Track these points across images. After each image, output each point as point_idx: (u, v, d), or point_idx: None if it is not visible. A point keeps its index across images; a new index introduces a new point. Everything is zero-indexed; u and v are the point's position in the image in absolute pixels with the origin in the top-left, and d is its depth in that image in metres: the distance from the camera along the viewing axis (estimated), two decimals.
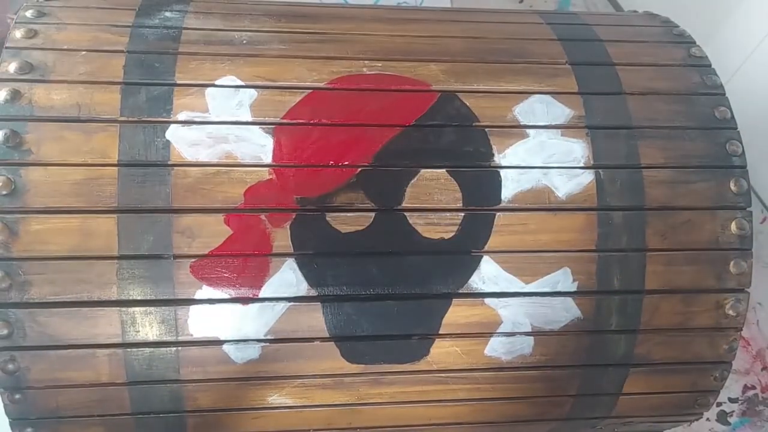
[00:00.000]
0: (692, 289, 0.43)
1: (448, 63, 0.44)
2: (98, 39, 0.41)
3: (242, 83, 0.40)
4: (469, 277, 0.41)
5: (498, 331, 0.41)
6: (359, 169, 0.40)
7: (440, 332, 0.41)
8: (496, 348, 0.42)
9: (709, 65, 0.47)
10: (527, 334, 0.42)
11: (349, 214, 0.40)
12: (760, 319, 0.70)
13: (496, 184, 0.41)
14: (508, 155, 0.41)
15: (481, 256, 0.41)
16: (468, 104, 0.42)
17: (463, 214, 0.41)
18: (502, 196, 0.41)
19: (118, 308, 0.38)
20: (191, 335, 0.38)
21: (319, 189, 0.39)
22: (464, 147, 0.41)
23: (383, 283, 0.40)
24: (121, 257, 0.38)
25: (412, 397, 0.43)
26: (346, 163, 0.40)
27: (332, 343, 0.40)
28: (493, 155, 0.41)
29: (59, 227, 0.37)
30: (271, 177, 0.39)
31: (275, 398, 0.42)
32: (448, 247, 0.40)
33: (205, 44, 0.42)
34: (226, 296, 0.38)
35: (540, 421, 0.46)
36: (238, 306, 0.39)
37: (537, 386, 0.44)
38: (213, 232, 0.38)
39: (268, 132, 0.40)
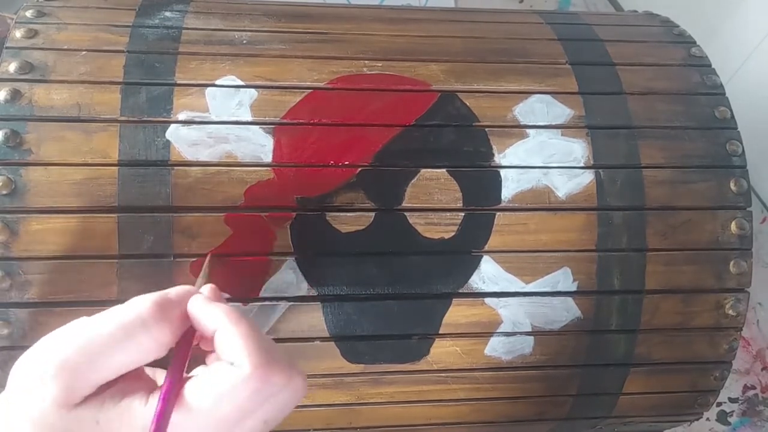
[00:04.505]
0: (692, 289, 0.43)
1: (448, 63, 0.44)
2: (98, 39, 0.41)
3: (242, 83, 0.41)
4: (470, 277, 0.41)
5: (498, 330, 0.42)
6: (359, 169, 0.40)
7: (440, 332, 0.41)
8: (496, 348, 0.42)
9: (710, 65, 0.47)
10: (527, 333, 0.42)
11: (349, 214, 0.40)
12: (761, 319, 0.70)
13: (496, 183, 0.41)
14: (508, 155, 0.41)
15: (481, 256, 0.41)
16: (468, 104, 0.42)
17: (463, 214, 0.41)
18: (502, 196, 0.41)
19: None
20: None
21: (319, 189, 0.39)
22: (464, 147, 0.41)
23: (383, 283, 0.40)
24: (121, 257, 0.38)
25: (412, 396, 0.43)
26: (346, 162, 0.40)
27: (332, 342, 0.40)
28: (493, 155, 0.41)
29: (59, 227, 0.37)
30: (271, 177, 0.39)
31: None
32: (448, 246, 0.40)
33: (205, 44, 0.42)
34: (226, 296, 0.38)
35: (540, 421, 0.46)
36: (238, 306, 0.39)
37: (537, 386, 0.44)
38: (213, 231, 0.38)
39: (268, 132, 0.40)
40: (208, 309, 0.31)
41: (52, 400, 0.28)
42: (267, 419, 0.30)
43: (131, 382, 0.29)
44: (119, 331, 0.29)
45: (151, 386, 0.30)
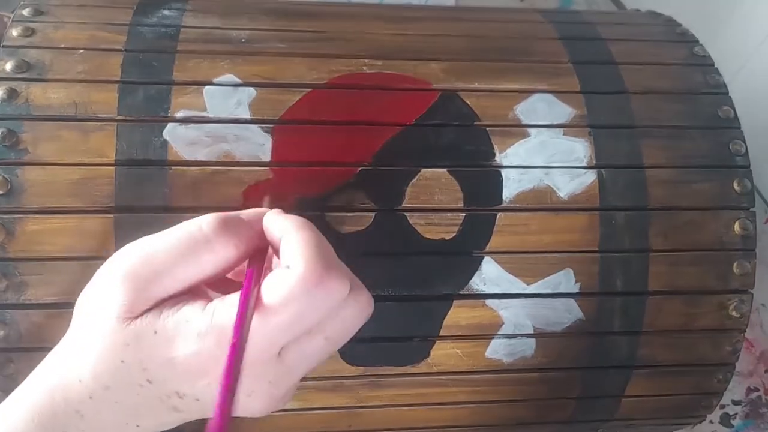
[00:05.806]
0: (695, 290, 0.42)
1: (449, 62, 0.43)
2: (96, 37, 0.41)
3: (241, 82, 0.40)
4: (470, 278, 0.40)
5: (499, 332, 0.41)
6: (359, 169, 0.40)
7: (441, 334, 0.41)
8: (497, 350, 0.42)
9: (712, 64, 0.47)
10: (529, 335, 0.41)
11: (348, 215, 0.39)
12: (764, 321, 0.70)
13: (498, 183, 0.41)
14: (509, 155, 0.41)
15: (482, 257, 0.40)
16: (469, 103, 0.42)
17: (464, 215, 0.40)
18: (504, 196, 0.41)
19: None
20: None
21: (318, 188, 0.39)
22: (465, 146, 0.41)
23: (383, 284, 0.40)
24: None
25: (412, 399, 0.42)
26: (346, 162, 0.39)
27: None
28: (494, 155, 0.41)
29: (56, 227, 0.37)
30: (270, 177, 0.39)
31: None
32: (449, 247, 0.40)
33: (203, 43, 0.42)
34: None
35: (542, 424, 0.46)
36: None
37: (539, 388, 0.43)
38: None
39: (267, 131, 0.39)
40: (279, 219, 0.31)
41: (115, 309, 0.28)
42: (329, 336, 0.29)
43: (190, 295, 0.30)
44: (182, 245, 0.29)
45: (207, 299, 0.30)
